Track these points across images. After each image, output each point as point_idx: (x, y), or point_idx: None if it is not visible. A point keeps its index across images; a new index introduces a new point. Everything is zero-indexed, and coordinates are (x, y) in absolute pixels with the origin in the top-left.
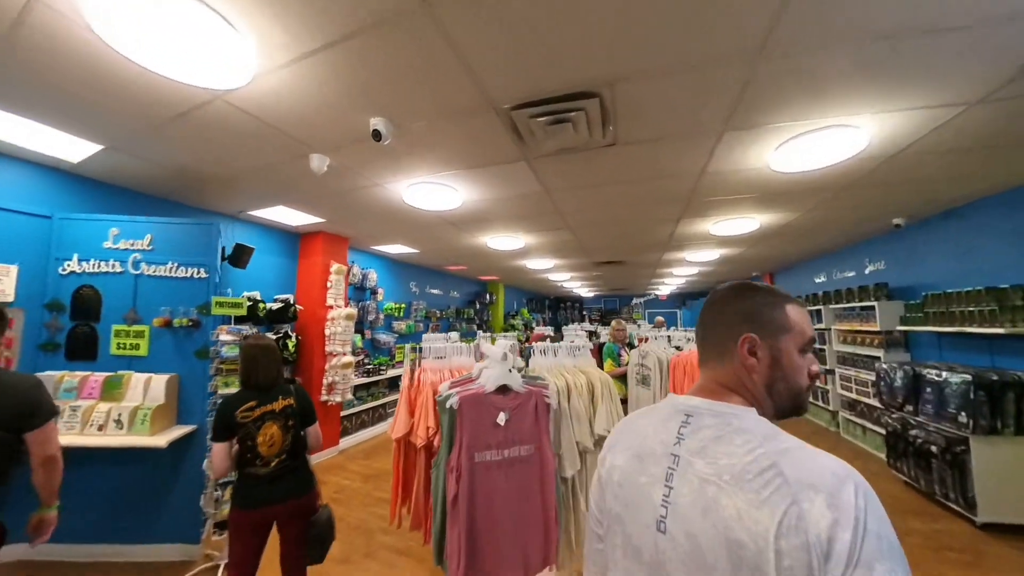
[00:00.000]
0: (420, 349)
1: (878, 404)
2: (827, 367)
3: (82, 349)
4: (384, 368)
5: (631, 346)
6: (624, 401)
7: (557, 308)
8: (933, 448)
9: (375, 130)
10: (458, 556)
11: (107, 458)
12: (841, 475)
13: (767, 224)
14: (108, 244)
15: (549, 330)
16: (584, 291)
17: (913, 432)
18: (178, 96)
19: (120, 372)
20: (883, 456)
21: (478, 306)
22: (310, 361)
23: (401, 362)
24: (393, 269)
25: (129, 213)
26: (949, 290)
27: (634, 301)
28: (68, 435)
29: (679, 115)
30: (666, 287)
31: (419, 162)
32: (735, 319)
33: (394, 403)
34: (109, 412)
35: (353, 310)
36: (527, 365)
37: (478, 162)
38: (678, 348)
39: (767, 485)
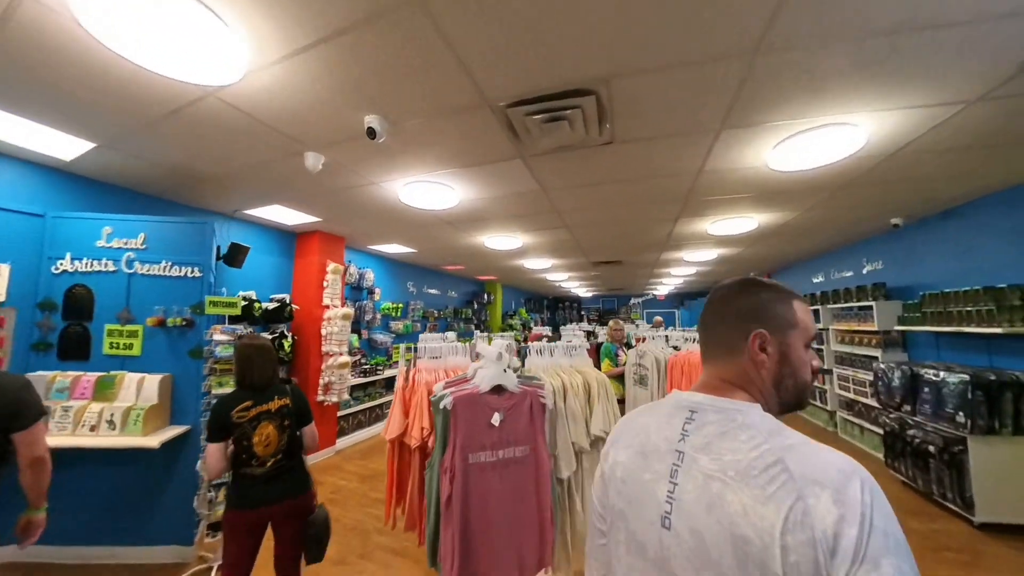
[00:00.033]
0: (415, 349)
1: (876, 404)
2: (825, 367)
3: (74, 349)
4: (381, 368)
5: (628, 346)
6: (621, 401)
7: (555, 308)
8: (931, 448)
9: (369, 128)
10: (452, 558)
11: (99, 459)
12: (847, 471)
13: (765, 224)
14: (101, 243)
15: (547, 330)
16: (582, 291)
17: (911, 432)
18: (169, 93)
19: (113, 372)
20: (881, 456)
21: (476, 306)
22: (306, 361)
23: (398, 362)
24: (390, 269)
25: (123, 212)
26: (947, 290)
27: (632, 301)
28: (60, 436)
29: (676, 113)
30: (664, 287)
31: (415, 160)
32: (744, 315)
33: (391, 403)
34: (101, 412)
35: (350, 310)
36: (523, 365)
37: (474, 160)
38: (675, 348)
39: (772, 481)
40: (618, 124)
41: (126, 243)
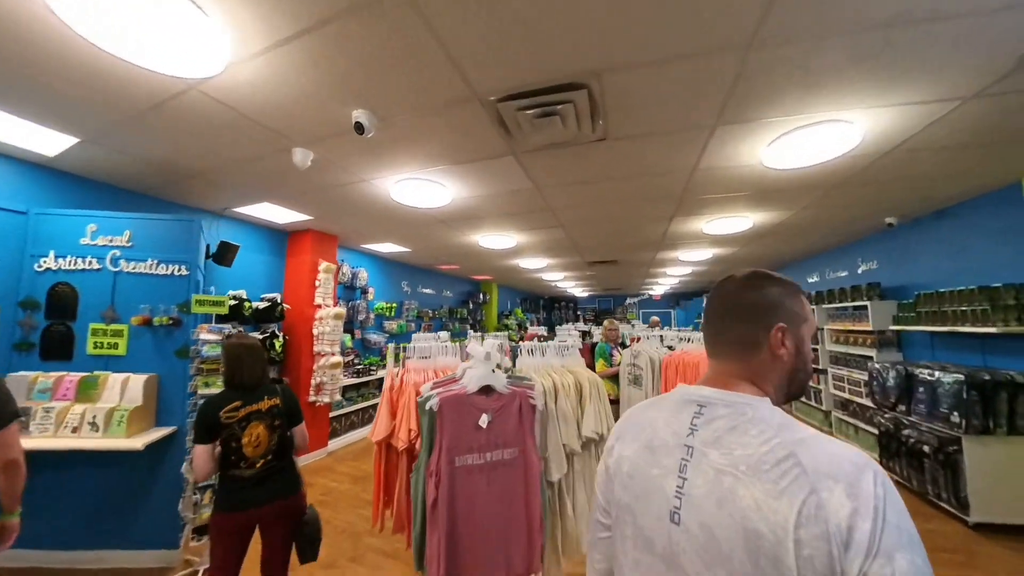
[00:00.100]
0: (404, 348)
1: (871, 404)
2: (820, 367)
3: (57, 349)
4: (375, 368)
5: (623, 346)
6: (616, 402)
7: (551, 308)
8: (925, 448)
9: (357, 122)
10: (438, 562)
11: (83, 461)
12: (860, 464)
13: (760, 223)
14: (86, 240)
15: (543, 330)
16: (578, 291)
17: (906, 432)
18: (151, 86)
19: (96, 372)
20: (876, 456)
21: (471, 306)
22: (298, 361)
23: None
24: (384, 268)
25: (109, 209)
26: (941, 289)
27: (628, 301)
28: (41, 438)
29: (670, 109)
30: (660, 287)
31: (405, 157)
32: (763, 309)
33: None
34: (84, 414)
35: (342, 309)
36: (514, 365)
37: (465, 157)
38: (670, 348)
39: (785, 475)
40: (611, 120)
41: (111, 240)
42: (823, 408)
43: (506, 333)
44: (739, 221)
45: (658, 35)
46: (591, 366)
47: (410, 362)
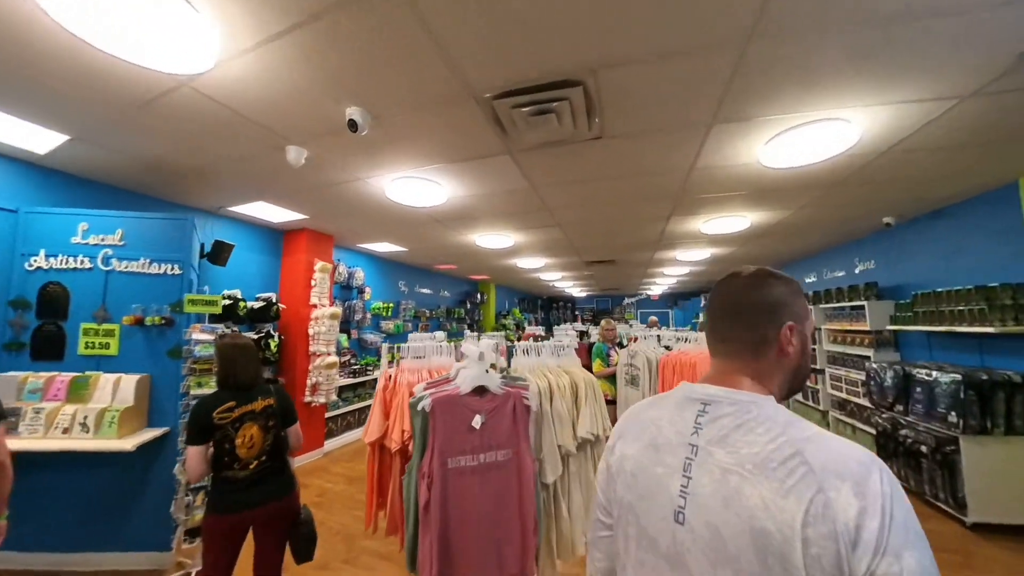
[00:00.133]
0: (398, 348)
1: (868, 404)
2: (817, 367)
3: (48, 349)
4: (371, 369)
5: (621, 346)
6: (613, 402)
7: (549, 308)
8: (923, 448)
9: (351, 120)
10: (430, 565)
11: (73, 463)
12: (866, 462)
13: (758, 223)
14: (77, 239)
15: (540, 330)
16: (576, 291)
17: (903, 432)
18: (141, 82)
19: (88, 372)
20: None
21: (469, 306)
22: (293, 361)
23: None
24: (381, 268)
25: (101, 208)
26: (939, 289)
27: (626, 301)
28: (30, 439)
29: (667, 106)
30: (658, 287)
31: (400, 155)
32: (772, 307)
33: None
34: (75, 414)
35: (338, 309)
36: (509, 365)
37: (461, 156)
38: (667, 348)
39: (792, 473)
40: (607, 118)
41: (103, 239)
42: (820, 408)
43: (503, 333)
44: (737, 221)
45: (654, 30)
46: (587, 366)
47: (404, 362)
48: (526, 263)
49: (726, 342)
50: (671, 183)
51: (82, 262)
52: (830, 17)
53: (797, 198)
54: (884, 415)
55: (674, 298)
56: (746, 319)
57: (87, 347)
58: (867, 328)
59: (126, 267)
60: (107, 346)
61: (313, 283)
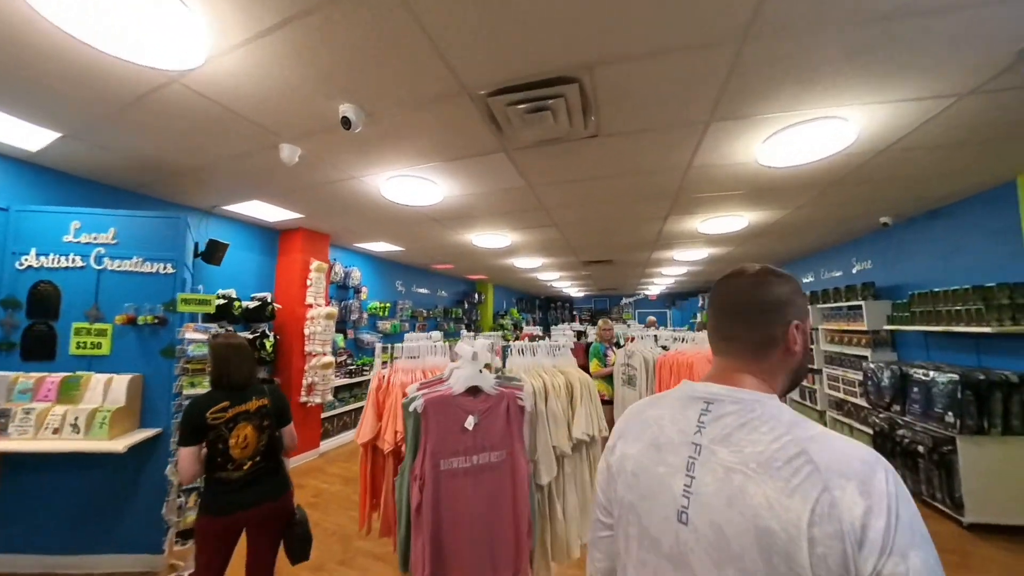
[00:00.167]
0: (391, 348)
1: (865, 404)
2: (815, 367)
3: (39, 348)
4: (368, 369)
5: (618, 346)
6: (609, 402)
7: (547, 308)
8: (920, 448)
9: (344, 117)
10: (422, 567)
11: (64, 464)
12: (871, 461)
13: (755, 222)
14: (69, 238)
15: (538, 330)
16: (574, 291)
17: (900, 432)
18: (131, 78)
19: (79, 373)
20: None
21: (466, 306)
22: (288, 361)
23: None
24: (378, 267)
25: (94, 206)
26: (936, 289)
27: (624, 301)
28: (21, 440)
29: (663, 103)
30: (656, 287)
31: (395, 153)
32: (780, 305)
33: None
34: (65, 415)
35: (334, 309)
36: (504, 365)
37: (456, 154)
38: (664, 348)
39: (797, 473)
40: (603, 115)
41: (95, 238)
42: (818, 408)
43: (500, 333)
44: (734, 220)
45: (651, 26)
46: (584, 366)
47: (398, 362)
48: (523, 263)
49: (731, 340)
50: (668, 182)
51: (74, 261)
52: (828, 14)
53: (795, 198)
54: (881, 415)
55: (672, 298)
56: (754, 318)
57: (79, 347)
58: (864, 328)
59: (119, 266)
60: (99, 346)
61: (309, 283)
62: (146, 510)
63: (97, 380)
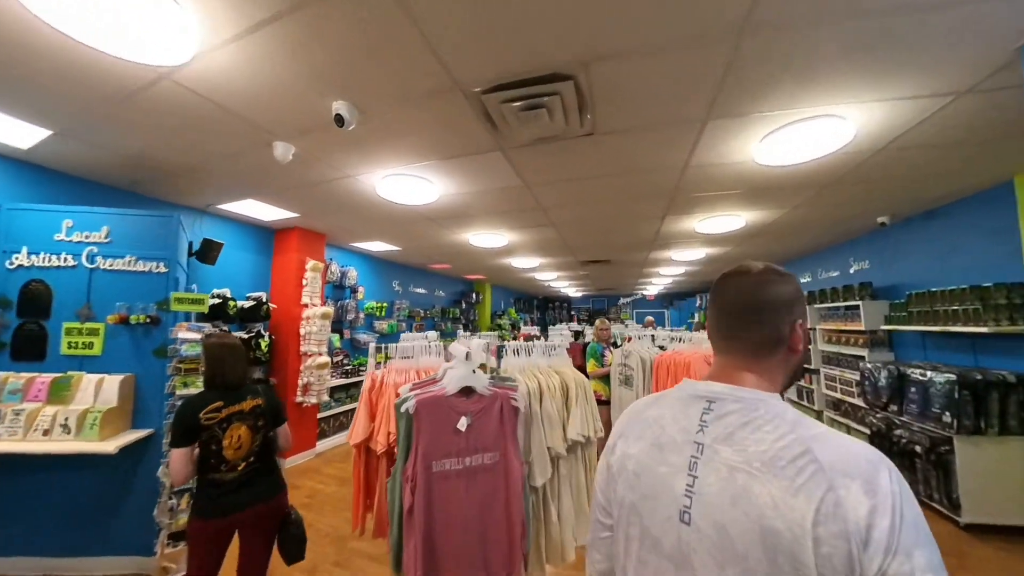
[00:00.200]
0: (386, 348)
1: (862, 404)
2: (812, 367)
3: (29, 348)
4: (364, 369)
5: (616, 346)
6: (606, 402)
7: (545, 308)
8: (917, 448)
9: (337, 115)
10: (415, 569)
11: (54, 465)
12: (875, 461)
13: (752, 222)
14: (60, 236)
15: (536, 330)
16: (572, 291)
17: (897, 432)
18: (121, 74)
19: (70, 373)
20: None
21: (464, 306)
22: (284, 361)
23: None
24: (374, 267)
25: (86, 205)
26: (933, 289)
27: (622, 301)
28: (10, 441)
29: (659, 101)
30: (653, 287)
31: (390, 152)
32: (786, 305)
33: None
34: (55, 416)
35: (329, 309)
36: (499, 365)
37: (452, 152)
38: (661, 348)
39: (801, 472)
40: (599, 113)
41: (87, 237)
42: (815, 408)
43: (497, 333)
44: (732, 220)
45: (646, 23)
46: (581, 367)
47: (392, 363)
48: (521, 263)
49: (733, 339)
50: (665, 181)
51: (66, 260)
52: (825, 11)
53: (792, 197)
54: (878, 415)
55: (670, 298)
56: (759, 317)
57: (70, 347)
58: (862, 328)
59: (111, 265)
60: (91, 345)
61: (304, 282)
62: (138, 512)
63: (88, 380)
